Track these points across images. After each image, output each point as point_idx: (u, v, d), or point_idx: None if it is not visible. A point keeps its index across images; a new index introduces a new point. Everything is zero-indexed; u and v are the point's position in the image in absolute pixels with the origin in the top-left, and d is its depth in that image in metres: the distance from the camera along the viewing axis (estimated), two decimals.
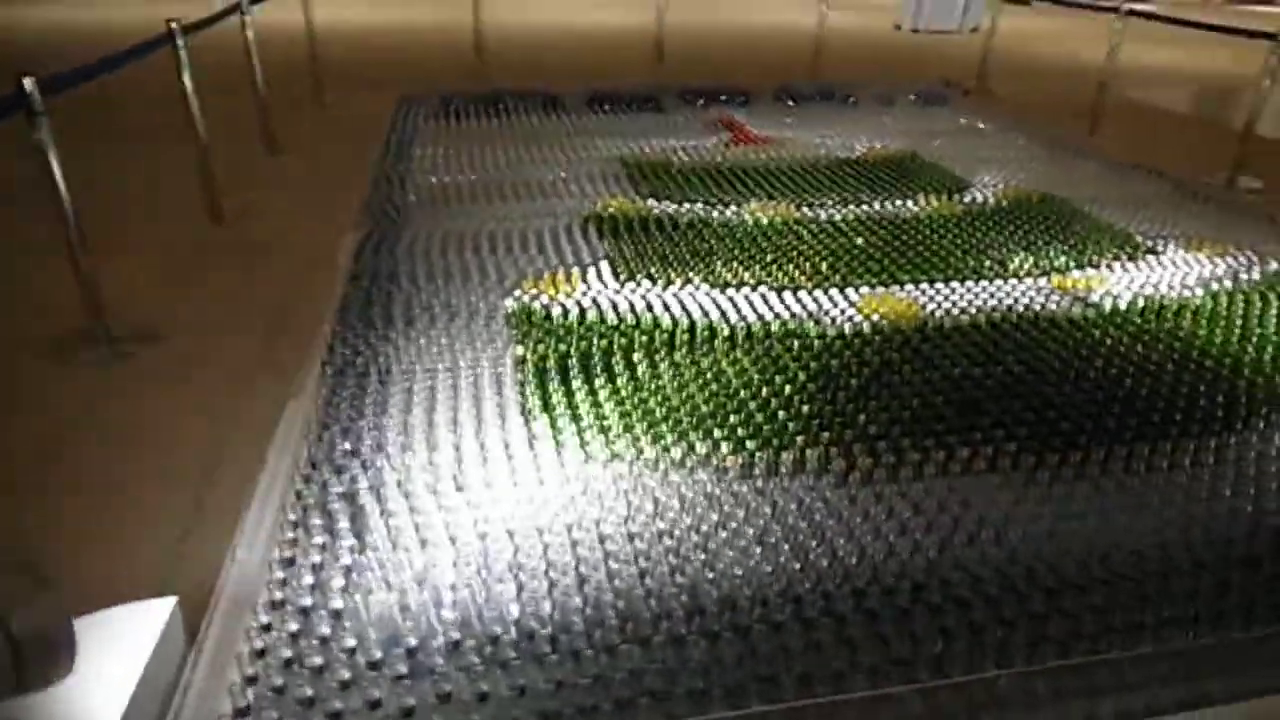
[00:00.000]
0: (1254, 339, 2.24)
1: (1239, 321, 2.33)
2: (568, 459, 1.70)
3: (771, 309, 2.34)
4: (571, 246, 2.75)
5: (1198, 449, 1.78)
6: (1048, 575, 1.44)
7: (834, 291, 2.47)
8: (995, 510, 1.59)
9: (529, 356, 2.06)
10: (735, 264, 2.64)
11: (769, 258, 2.69)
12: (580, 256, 2.68)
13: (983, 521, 1.56)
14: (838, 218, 3.09)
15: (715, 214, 3.09)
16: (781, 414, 1.84)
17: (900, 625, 1.33)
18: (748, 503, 1.59)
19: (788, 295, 2.44)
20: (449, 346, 2.10)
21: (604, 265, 2.61)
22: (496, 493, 1.59)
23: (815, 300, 2.41)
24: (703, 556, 1.45)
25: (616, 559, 1.44)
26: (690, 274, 2.55)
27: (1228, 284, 2.59)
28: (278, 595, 1.33)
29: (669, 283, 2.49)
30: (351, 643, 1.25)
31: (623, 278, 2.53)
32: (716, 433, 1.77)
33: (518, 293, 2.39)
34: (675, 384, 1.96)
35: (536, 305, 2.31)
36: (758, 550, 1.47)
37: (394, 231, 2.83)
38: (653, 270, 2.57)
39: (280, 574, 1.38)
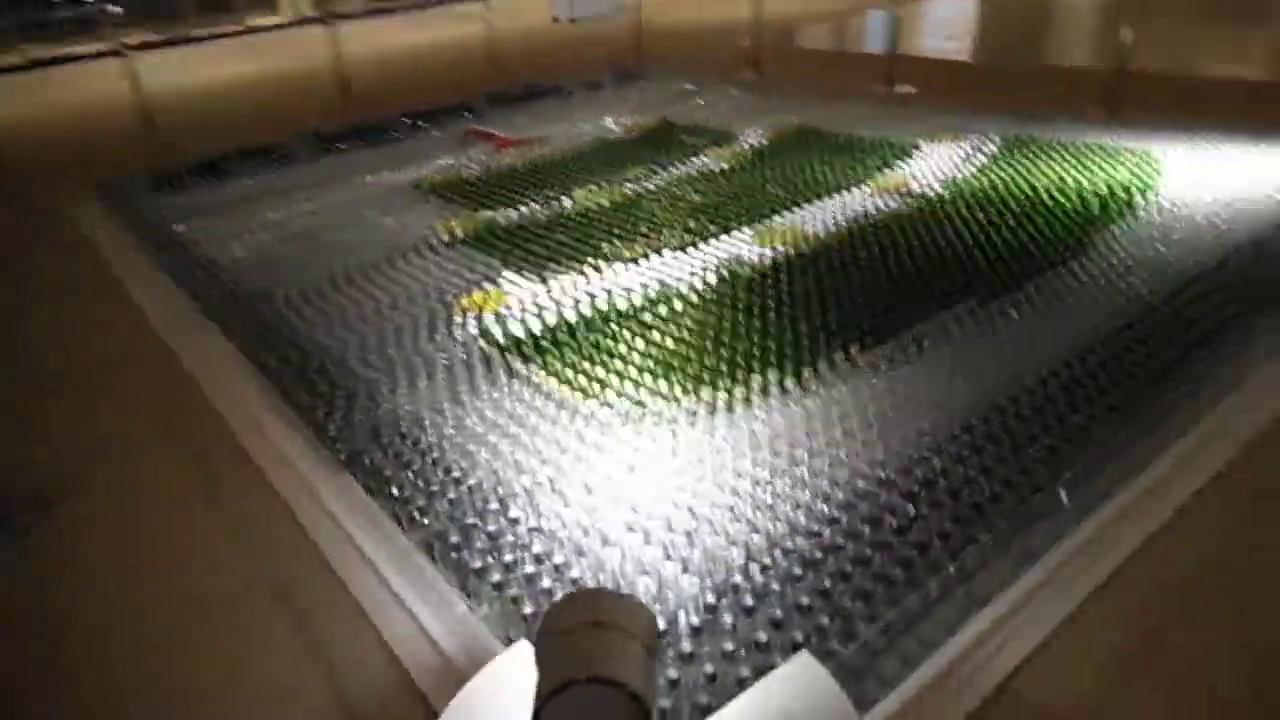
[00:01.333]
0: (1044, 188, 2.87)
1: (1023, 178, 2.97)
2: (668, 428, 1.78)
3: (692, 264, 2.54)
4: (459, 267, 2.71)
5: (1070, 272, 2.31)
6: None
7: (724, 238, 2.72)
8: (999, 347, 1.97)
9: (548, 368, 2.06)
10: (623, 239, 2.78)
11: (644, 228, 2.88)
12: (478, 272, 2.66)
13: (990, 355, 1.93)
14: (661, 184, 3.34)
15: (556, 207, 3.19)
16: (796, 333, 2.07)
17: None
18: (828, 410, 1.80)
19: (692, 251, 2.65)
20: (456, 385, 2.03)
21: (508, 274, 2.62)
22: (645, 477, 1.64)
23: (719, 248, 2.64)
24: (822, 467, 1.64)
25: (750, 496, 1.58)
26: (594, 258, 2.65)
27: (983, 158, 3.25)
28: None
29: (582, 271, 2.58)
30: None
31: (535, 280, 2.56)
32: (750, 373, 1.95)
33: (458, 320, 2.34)
34: (688, 344, 2.09)
35: (492, 324, 2.29)
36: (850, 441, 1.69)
37: (256, 310, 2.58)
38: (556, 264, 2.63)
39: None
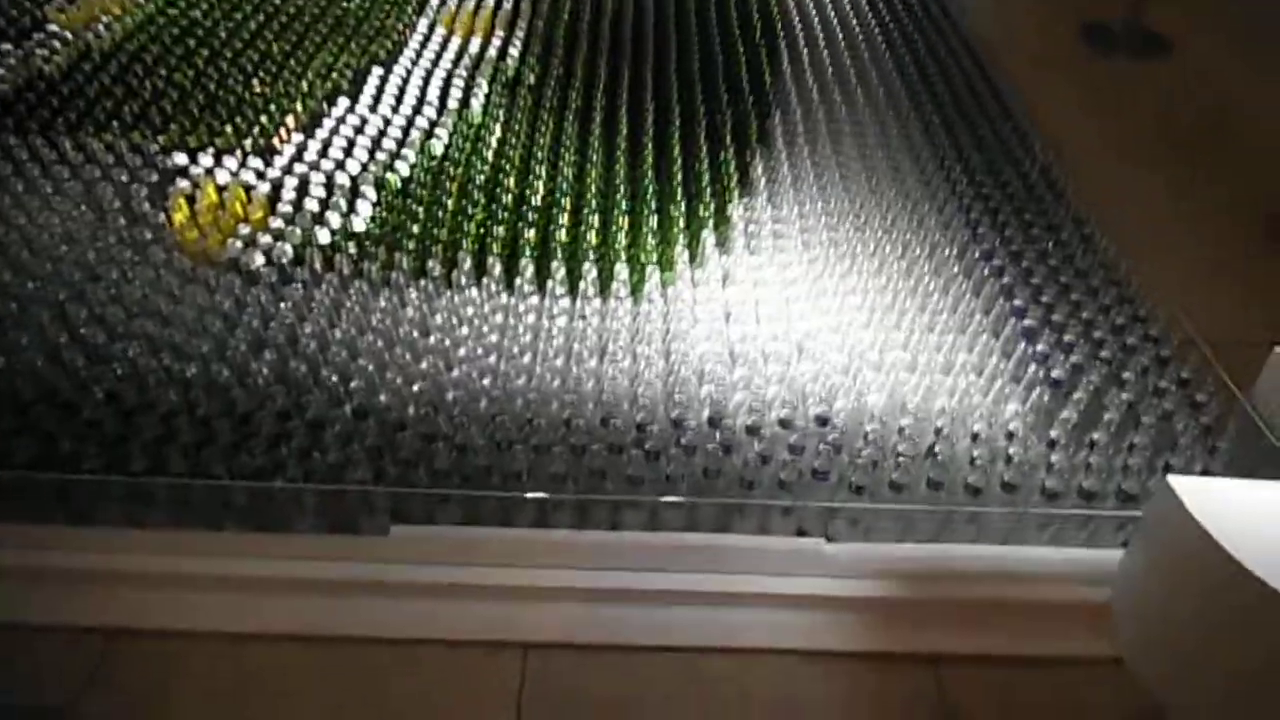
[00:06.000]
0: None
1: None
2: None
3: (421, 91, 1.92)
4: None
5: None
6: None
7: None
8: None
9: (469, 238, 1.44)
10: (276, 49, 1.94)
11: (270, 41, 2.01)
12: (112, 179, 1.59)
13: None
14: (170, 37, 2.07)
15: (74, 40, 1.97)
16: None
17: None
18: None
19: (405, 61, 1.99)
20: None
21: (181, 160, 1.65)
22: None
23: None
24: None
25: None
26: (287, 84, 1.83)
27: None
28: None
29: (288, 112, 1.77)
30: None
31: (250, 155, 1.68)
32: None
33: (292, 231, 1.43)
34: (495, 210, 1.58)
35: (290, 230, 1.47)
36: None
37: None
38: (240, 119, 1.75)
39: None
